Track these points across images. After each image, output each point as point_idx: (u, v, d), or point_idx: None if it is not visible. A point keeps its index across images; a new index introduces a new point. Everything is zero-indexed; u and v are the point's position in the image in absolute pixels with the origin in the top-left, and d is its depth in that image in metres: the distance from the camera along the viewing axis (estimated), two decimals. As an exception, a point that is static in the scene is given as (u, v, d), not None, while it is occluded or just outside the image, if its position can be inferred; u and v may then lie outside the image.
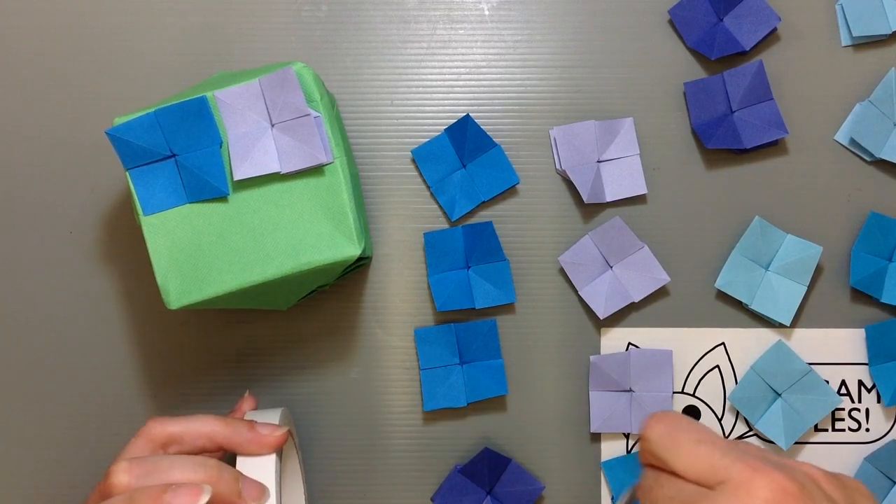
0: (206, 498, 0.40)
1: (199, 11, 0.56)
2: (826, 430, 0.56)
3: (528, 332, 0.56)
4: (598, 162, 0.55)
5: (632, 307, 0.56)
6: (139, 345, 0.56)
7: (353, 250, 0.48)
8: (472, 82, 0.56)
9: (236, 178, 0.47)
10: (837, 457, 0.56)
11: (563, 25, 0.56)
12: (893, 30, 0.55)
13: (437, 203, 0.56)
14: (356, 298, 0.56)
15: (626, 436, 0.56)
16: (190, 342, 0.56)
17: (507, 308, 0.56)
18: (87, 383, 0.56)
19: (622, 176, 0.55)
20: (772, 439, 0.55)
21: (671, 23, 0.56)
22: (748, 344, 0.56)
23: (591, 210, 0.56)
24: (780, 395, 0.55)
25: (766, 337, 0.56)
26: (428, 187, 0.56)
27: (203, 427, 0.45)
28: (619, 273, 0.55)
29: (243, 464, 0.45)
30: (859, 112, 0.56)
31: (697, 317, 0.56)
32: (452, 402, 0.55)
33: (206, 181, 0.47)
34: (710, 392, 0.56)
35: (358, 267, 0.54)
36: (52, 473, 0.55)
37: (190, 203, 0.48)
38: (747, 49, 0.54)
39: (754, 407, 0.55)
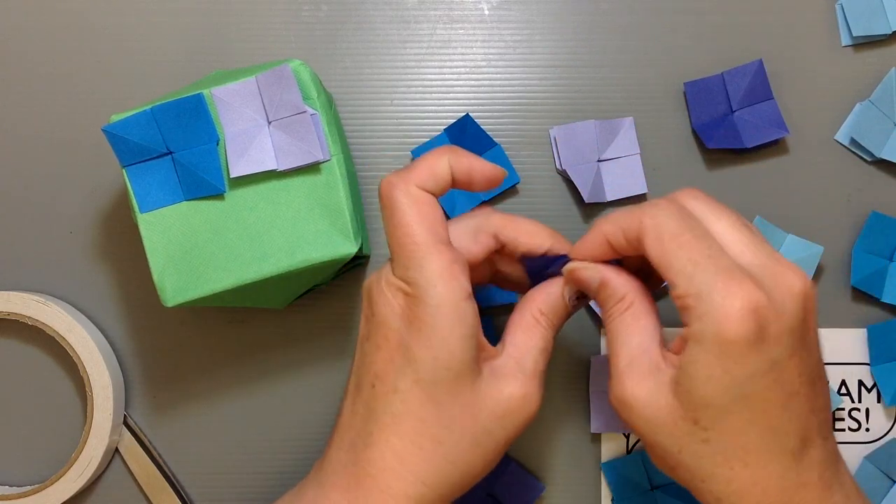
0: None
1: (199, 11, 0.56)
2: (826, 431, 0.56)
3: (528, 332, 0.56)
4: (599, 161, 0.55)
5: (632, 307, 0.56)
6: (138, 344, 0.56)
7: (349, 248, 0.48)
8: (472, 82, 0.56)
9: (233, 175, 0.47)
10: (838, 457, 0.56)
11: (563, 25, 0.56)
12: (893, 30, 0.55)
13: (437, 203, 0.56)
14: (355, 297, 0.56)
15: (626, 436, 0.56)
16: (188, 341, 0.56)
17: (508, 307, 0.56)
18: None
19: (623, 175, 0.55)
20: (772, 440, 0.55)
21: (671, 23, 0.56)
22: (748, 344, 0.56)
23: (591, 210, 0.56)
24: (780, 395, 0.55)
25: (767, 337, 0.56)
26: (428, 187, 0.56)
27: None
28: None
29: None
30: (859, 112, 0.56)
31: (698, 317, 0.56)
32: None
33: (203, 178, 0.47)
34: (711, 392, 0.56)
35: (355, 266, 0.54)
36: (51, 471, 0.55)
37: (186, 200, 0.48)
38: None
39: (755, 407, 0.55)
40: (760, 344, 0.37)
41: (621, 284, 0.41)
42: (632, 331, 0.41)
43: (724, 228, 0.40)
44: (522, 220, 0.45)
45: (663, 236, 0.39)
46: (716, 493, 0.39)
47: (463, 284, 0.40)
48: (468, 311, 0.40)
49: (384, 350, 0.41)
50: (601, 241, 0.42)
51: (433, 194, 0.42)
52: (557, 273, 0.44)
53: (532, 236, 0.44)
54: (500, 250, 0.45)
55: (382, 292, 0.41)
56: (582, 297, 0.44)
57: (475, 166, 0.43)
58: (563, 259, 0.44)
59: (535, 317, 0.43)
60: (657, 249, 0.39)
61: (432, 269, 0.40)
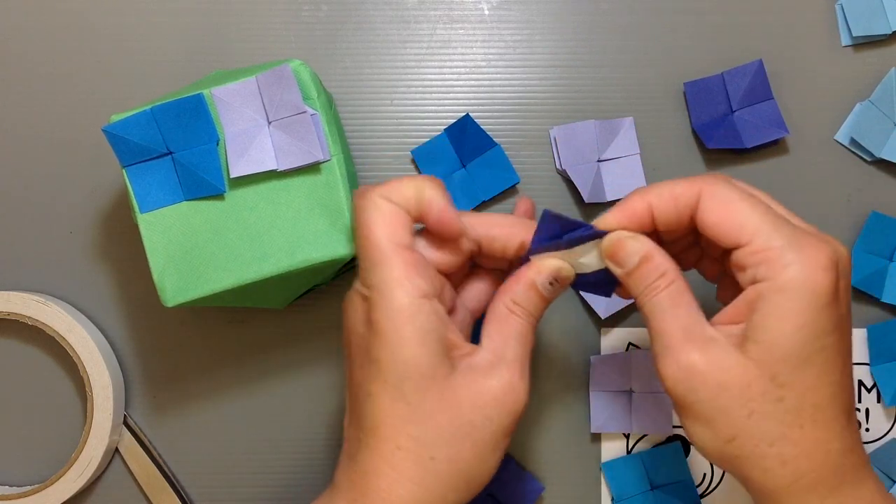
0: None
1: (199, 11, 0.56)
2: (826, 431, 0.56)
3: (528, 332, 0.56)
4: (599, 161, 0.55)
5: (632, 307, 0.56)
6: (138, 344, 0.56)
7: (349, 248, 0.48)
8: (472, 82, 0.56)
9: (233, 175, 0.47)
10: (838, 457, 0.56)
11: (563, 25, 0.56)
12: (893, 30, 0.55)
13: (437, 203, 0.56)
14: (355, 298, 0.56)
15: (626, 436, 0.56)
16: (188, 341, 0.56)
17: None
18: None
19: (623, 175, 0.55)
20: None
21: (671, 23, 0.56)
22: (748, 344, 0.56)
23: (591, 210, 0.56)
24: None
25: (767, 337, 0.56)
26: (428, 187, 0.56)
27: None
28: (619, 273, 0.55)
29: None
30: (859, 112, 0.56)
31: (698, 317, 0.56)
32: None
33: (203, 179, 0.47)
34: (711, 392, 0.56)
35: (355, 266, 0.53)
36: (51, 471, 0.55)
37: (186, 200, 0.48)
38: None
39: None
40: (836, 297, 0.38)
41: (665, 260, 0.41)
42: (679, 303, 0.41)
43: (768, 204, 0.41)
44: (491, 215, 0.45)
45: (731, 200, 0.40)
46: (783, 456, 0.39)
47: (419, 285, 0.40)
48: (427, 310, 0.40)
49: (356, 357, 0.42)
50: (643, 211, 0.42)
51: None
52: (568, 245, 0.43)
53: (504, 227, 0.44)
54: (480, 251, 0.45)
55: (351, 301, 0.42)
56: (554, 282, 0.43)
57: (437, 204, 0.42)
58: (584, 229, 0.43)
59: (508, 308, 0.43)
60: (723, 212, 0.40)
61: (388, 272, 0.40)
